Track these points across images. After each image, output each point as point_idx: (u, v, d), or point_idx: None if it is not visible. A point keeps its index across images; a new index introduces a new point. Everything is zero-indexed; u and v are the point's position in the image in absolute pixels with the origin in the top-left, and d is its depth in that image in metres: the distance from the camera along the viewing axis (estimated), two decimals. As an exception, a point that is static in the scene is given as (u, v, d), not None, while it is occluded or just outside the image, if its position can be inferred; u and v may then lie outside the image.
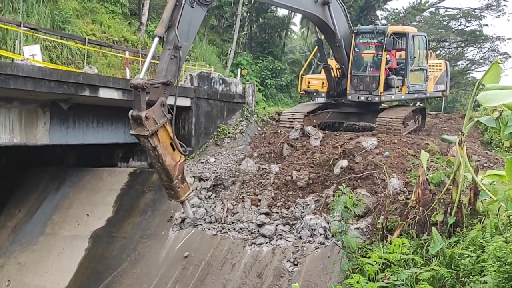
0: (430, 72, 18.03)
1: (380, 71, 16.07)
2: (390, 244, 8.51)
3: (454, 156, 11.22)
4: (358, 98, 16.53)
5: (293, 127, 16.52)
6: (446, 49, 41.98)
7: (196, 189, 13.73)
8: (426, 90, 17.87)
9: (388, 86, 16.32)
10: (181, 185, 11.36)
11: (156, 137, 10.29)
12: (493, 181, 9.08)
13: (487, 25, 42.45)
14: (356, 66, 16.75)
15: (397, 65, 16.95)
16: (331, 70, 16.94)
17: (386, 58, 16.25)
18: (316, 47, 18.08)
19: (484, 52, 40.90)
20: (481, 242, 7.69)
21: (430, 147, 14.00)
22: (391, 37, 16.03)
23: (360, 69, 16.77)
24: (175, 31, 10.58)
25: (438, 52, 39.27)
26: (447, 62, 20.24)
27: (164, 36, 10.77)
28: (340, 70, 16.98)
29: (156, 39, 10.52)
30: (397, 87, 16.51)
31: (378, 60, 16.34)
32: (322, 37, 16.93)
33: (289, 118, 17.48)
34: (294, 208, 12.46)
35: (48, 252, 14.06)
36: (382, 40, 16.17)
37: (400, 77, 16.56)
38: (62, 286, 12.95)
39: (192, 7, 11.02)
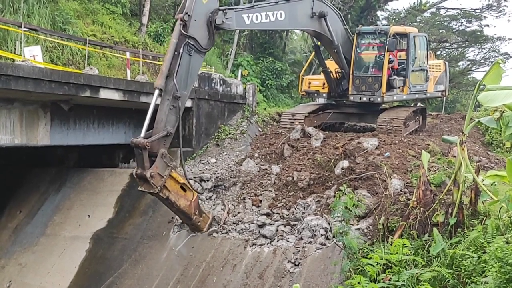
0: (430, 72, 18.04)
1: (382, 71, 16.07)
2: (391, 244, 8.51)
3: (455, 156, 11.22)
4: (360, 98, 16.52)
5: (293, 128, 16.52)
6: (446, 50, 41.97)
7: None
8: (426, 90, 17.90)
9: (390, 87, 16.31)
10: (200, 218, 11.66)
11: (166, 189, 10.51)
12: (494, 182, 9.08)
13: (487, 25, 42.49)
14: (358, 66, 16.73)
15: (398, 65, 16.95)
16: (331, 73, 16.95)
17: (389, 58, 16.26)
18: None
19: (485, 53, 40.89)
20: (482, 243, 7.71)
21: (431, 148, 14.01)
22: (393, 37, 16.03)
23: (362, 69, 16.76)
24: (173, 80, 10.60)
25: (438, 52, 39.25)
26: (446, 63, 20.26)
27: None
28: (339, 73, 17.01)
29: (157, 91, 10.49)
30: (399, 87, 16.51)
31: (380, 61, 16.33)
32: (319, 42, 16.91)
33: (289, 119, 17.48)
34: (295, 208, 12.45)
35: (49, 253, 14.06)
36: (384, 41, 16.16)
37: (402, 78, 16.56)
38: (63, 287, 12.95)
39: (190, 55, 11.05)
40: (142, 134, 10.12)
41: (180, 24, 10.82)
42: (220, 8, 11.62)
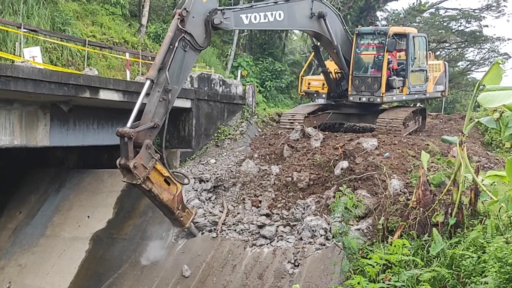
0: (430, 73, 18.05)
1: (382, 72, 16.07)
2: (391, 245, 8.50)
3: (454, 156, 11.22)
4: (359, 99, 16.53)
5: (293, 128, 16.52)
6: (446, 50, 41.97)
7: (197, 190, 13.70)
8: (426, 90, 17.92)
9: (389, 87, 16.32)
10: (183, 214, 11.53)
11: (149, 181, 10.33)
12: (494, 182, 9.09)
13: (487, 25, 42.51)
14: (357, 67, 16.75)
15: (398, 66, 16.96)
16: (330, 73, 16.95)
17: (388, 58, 16.26)
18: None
19: (484, 53, 40.92)
20: (482, 243, 7.71)
21: (430, 148, 14.01)
22: (392, 37, 16.04)
23: (361, 70, 16.77)
24: (166, 73, 10.56)
25: (438, 53, 39.26)
26: (446, 63, 20.30)
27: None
28: (339, 73, 17.01)
29: (148, 82, 10.42)
30: (398, 87, 16.52)
31: (379, 61, 16.35)
32: (319, 43, 16.92)
33: (289, 119, 17.47)
34: (294, 209, 12.45)
35: (48, 254, 14.06)
36: (383, 41, 16.18)
37: (401, 78, 16.57)
38: (63, 288, 12.95)
39: (185, 51, 11.05)
40: (129, 124, 10.02)
41: (178, 18, 10.81)
42: (218, 8, 11.62)
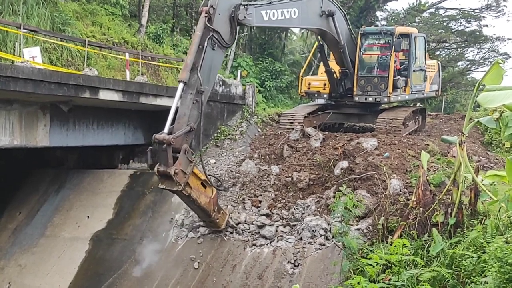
0: (427, 72, 18.12)
1: (388, 71, 16.08)
2: (391, 245, 8.52)
3: (454, 156, 11.24)
4: (365, 99, 16.52)
5: (293, 128, 16.51)
6: (446, 50, 41.95)
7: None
8: (424, 90, 17.98)
9: (394, 87, 16.35)
10: (219, 215, 11.53)
11: (188, 186, 10.28)
12: (494, 182, 9.10)
13: (486, 25, 42.28)
14: (363, 67, 16.75)
15: (400, 65, 16.98)
16: (334, 73, 16.93)
17: None
18: (314, 47, 18.12)
19: (484, 53, 40.86)
20: (482, 243, 7.71)
21: (430, 148, 14.01)
22: (399, 37, 16.08)
23: (367, 70, 16.77)
24: (197, 74, 10.38)
25: (438, 52, 39.24)
26: (439, 63, 20.44)
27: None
28: (341, 73, 16.99)
29: (181, 85, 10.25)
30: (401, 87, 16.56)
31: (384, 61, 16.36)
32: (319, 37, 16.90)
33: (289, 119, 17.45)
34: (294, 209, 12.45)
35: (48, 254, 14.05)
36: (390, 41, 16.19)
37: (404, 78, 16.60)
38: (63, 288, 12.94)
39: (214, 49, 10.94)
40: (166, 130, 9.87)
41: (205, 16, 10.64)
42: (242, 3, 11.57)
